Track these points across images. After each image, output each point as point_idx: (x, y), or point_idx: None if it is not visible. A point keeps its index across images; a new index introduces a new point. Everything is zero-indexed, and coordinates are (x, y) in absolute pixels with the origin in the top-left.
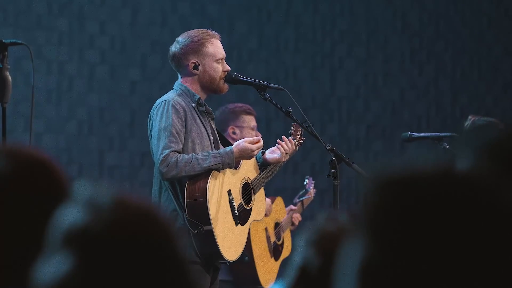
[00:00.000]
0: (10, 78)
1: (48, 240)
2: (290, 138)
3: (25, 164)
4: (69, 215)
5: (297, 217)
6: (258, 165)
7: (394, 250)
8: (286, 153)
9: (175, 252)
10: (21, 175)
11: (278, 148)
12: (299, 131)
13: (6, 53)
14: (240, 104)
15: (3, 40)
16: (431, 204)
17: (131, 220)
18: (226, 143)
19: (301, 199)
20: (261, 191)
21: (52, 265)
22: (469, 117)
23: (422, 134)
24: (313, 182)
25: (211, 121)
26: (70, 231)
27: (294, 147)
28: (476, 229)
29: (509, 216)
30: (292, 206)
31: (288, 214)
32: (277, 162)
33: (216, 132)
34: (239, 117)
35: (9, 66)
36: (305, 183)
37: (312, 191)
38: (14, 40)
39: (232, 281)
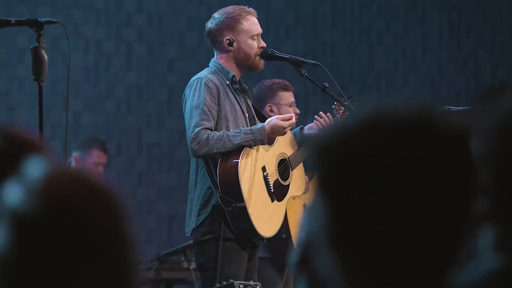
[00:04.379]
0: (46, 57)
1: None
2: (328, 114)
3: (12, 144)
4: (9, 192)
5: None
6: (297, 141)
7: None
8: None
9: (112, 229)
10: (6, 154)
11: (316, 124)
12: (342, 107)
13: (42, 31)
14: (277, 80)
15: (39, 19)
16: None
17: (61, 195)
18: (265, 120)
19: None
20: (300, 167)
21: None
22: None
23: (461, 108)
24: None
25: (248, 98)
26: (6, 208)
27: (332, 122)
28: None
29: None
30: None
31: None
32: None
33: (252, 110)
34: (276, 94)
35: (45, 45)
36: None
37: None
38: (50, 19)
39: (270, 258)
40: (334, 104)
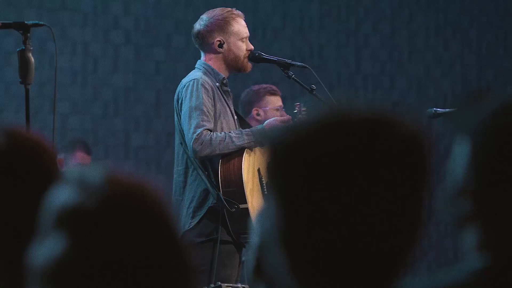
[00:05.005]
0: (33, 59)
1: (41, 221)
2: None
3: (19, 144)
4: (61, 195)
5: None
6: None
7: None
8: None
9: (169, 227)
10: (13, 154)
11: None
12: (304, 110)
13: (29, 34)
14: (264, 85)
15: (25, 22)
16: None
17: (124, 197)
18: (244, 125)
19: None
20: None
21: (46, 247)
22: None
23: (448, 110)
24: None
25: (231, 100)
26: (62, 211)
27: None
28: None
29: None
30: None
31: None
32: None
33: (235, 113)
34: (263, 98)
35: (32, 48)
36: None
37: None
38: (36, 22)
39: None
40: (295, 109)
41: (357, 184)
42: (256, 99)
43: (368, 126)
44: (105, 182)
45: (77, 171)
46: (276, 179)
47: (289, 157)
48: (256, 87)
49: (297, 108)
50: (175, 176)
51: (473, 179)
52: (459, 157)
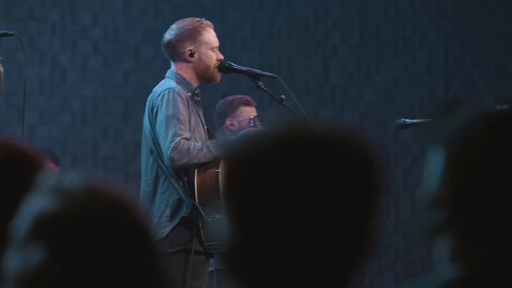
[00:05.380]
0: (2, 69)
1: (15, 230)
2: None
3: (3, 153)
4: (38, 203)
5: None
6: None
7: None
8: None
9: (146, 236)
10: (6, 166)
11: None
12: (259, 123)
13: None
14: (239, 96)
15: None
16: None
17: (103, 205)
18: (211, 136)
19: None
20: None
21: (24, 256)
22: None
23: (415, 120)
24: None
25: (201, 110)
26: (41, 220)
27: None
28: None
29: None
30: None
31: None
32: None
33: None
34: (237, 109)
35: (1, 57)
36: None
37: None
38: (5, 31)
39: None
40: (249, 122)
41: (310, 202)
42: (230, 109)
43: (321, 146)
44: (84, 190)
45: (55, 179)
46: (228, 190)
47: (240, 169)
48: (230, 98)
49: (251, 122)
50: (143, 185)
51: (446, 189)
52: (433, 166)
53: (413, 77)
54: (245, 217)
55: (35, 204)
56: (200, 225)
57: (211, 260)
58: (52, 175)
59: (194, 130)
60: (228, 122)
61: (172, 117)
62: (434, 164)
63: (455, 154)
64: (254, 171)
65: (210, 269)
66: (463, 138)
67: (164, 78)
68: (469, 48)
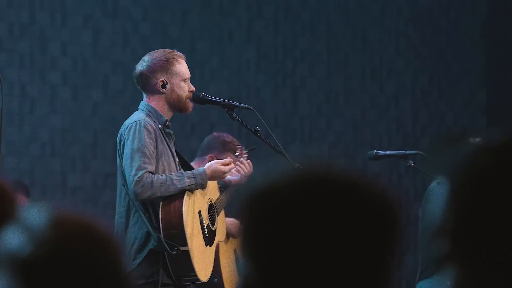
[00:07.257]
0: None
1: None
2: (248, 161)
3: None
4: (10, 242)
5: None
6: (218, 187)
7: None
8: (246, 175)
9: (118, 267)
10: None
11: (238, 171)
12: (245, 153)
13: None
14: (235, 142)
15: None
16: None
17: (70, 239)
18: (185, 166)
19: None
20: (222, 213)
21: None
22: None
23: (388, 152)
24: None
25: (173, 143)
26: (12, 261)
27: (251, 169)
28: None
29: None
30: None
31: None
32: (237, 184)
33: (176, 154)
34: (224, 152)
35: None
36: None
37: None
38: None
39: None
40: (236, 152)
41: (334, 242)
42: (219, 148)
43: (344, 188)
44: (51, 227)
45: (23, 216)
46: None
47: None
48: (225, 137)
49: (238, 151)
50: (116, 217)
51: (451, 219)
52: (437, 197)
53: (381, 108)
54: (265, 256)
55: (8, 243)
56: (166, 258)
57: None
58: (23, 211)
59: (162, 161)
60: (209, 157)
61: (138, 150)
62: (439, 194)
63: (460, 184)
64: (275, 212)
65: None
66: (467, 169)
67: (136, 109)
68: (436, 79)
